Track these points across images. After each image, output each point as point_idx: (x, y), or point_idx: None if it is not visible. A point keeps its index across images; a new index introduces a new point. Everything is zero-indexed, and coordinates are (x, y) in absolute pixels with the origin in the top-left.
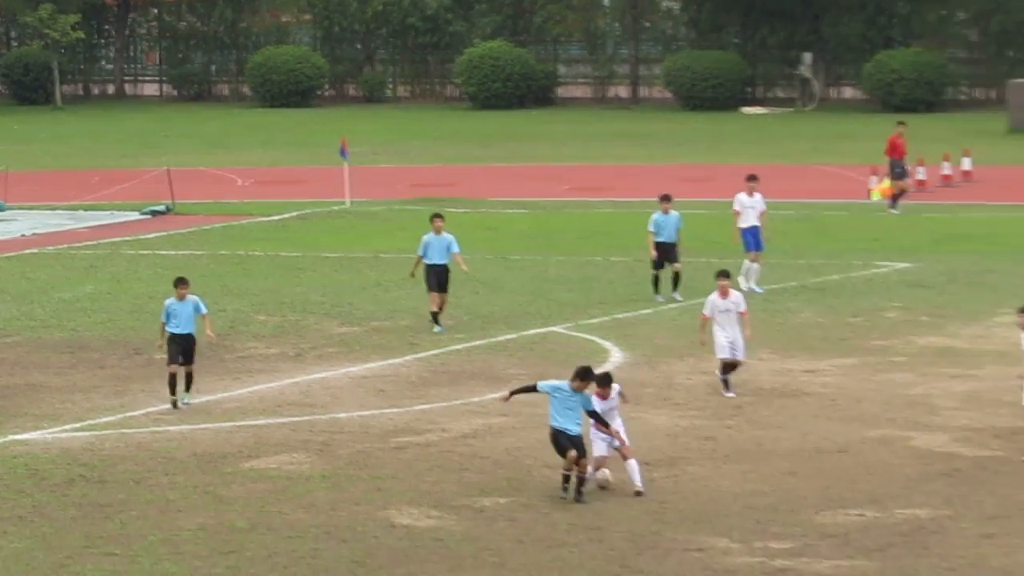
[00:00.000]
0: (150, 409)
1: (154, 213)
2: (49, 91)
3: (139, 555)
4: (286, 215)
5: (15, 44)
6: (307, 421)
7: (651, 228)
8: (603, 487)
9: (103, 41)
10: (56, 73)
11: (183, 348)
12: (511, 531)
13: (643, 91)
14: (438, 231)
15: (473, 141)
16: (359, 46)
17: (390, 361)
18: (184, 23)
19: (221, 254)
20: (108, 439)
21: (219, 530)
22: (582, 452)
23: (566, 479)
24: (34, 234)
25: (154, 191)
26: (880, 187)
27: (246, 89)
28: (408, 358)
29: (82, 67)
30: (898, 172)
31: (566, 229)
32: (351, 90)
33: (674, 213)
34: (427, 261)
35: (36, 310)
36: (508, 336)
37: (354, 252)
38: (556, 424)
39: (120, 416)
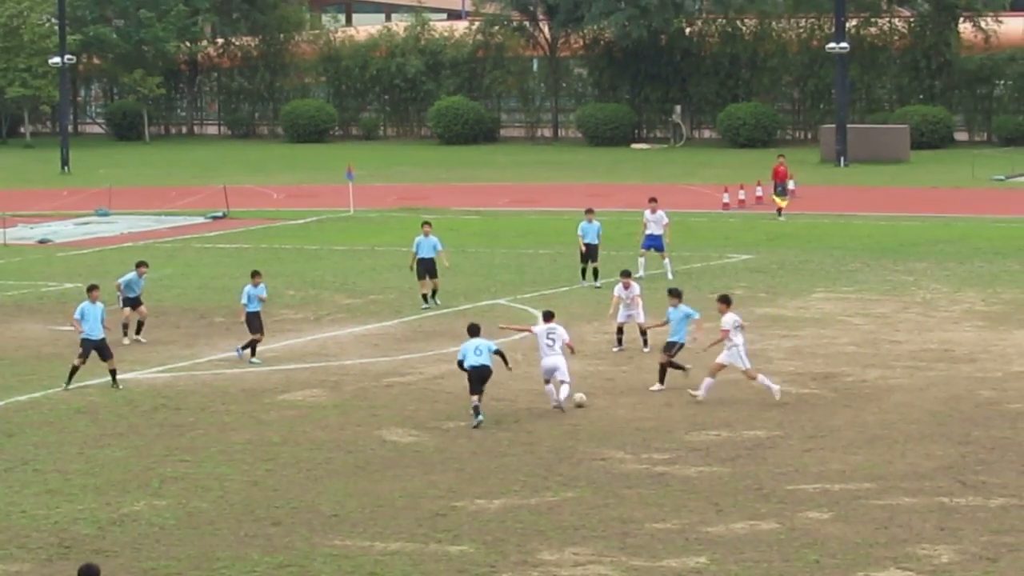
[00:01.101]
0: (212, 357)
1: (214, 218)
2: (140, 131)
3: (203, 461)
4: (308, 219)
5: (116, 97)
6: (323, 366)
7: (579, 233)
8: (580, 406)
9: (178, 95)
10: (145, 118)
11: (260, 323)
12: (468, 445)
13: (561, 132)
14: (426, 234)
15: (440, 167)
16: (360, 99)
17: (382, 323)
18: (236, 82)
19: (262, 247)
20: (182, 379)
21: (260, 443)
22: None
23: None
24: (130, 232)
25: (214, 202)
26: (780, 201)
27: (279, 130)
28: (395, 321)
29: (163, 114)
30: (779, 191)
31: (507, 230)
32: (354, 130)
33: (596, 222)
34: (419, 256)
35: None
36: (466, 306)
37: (356, 246)
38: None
39: (190, 362)
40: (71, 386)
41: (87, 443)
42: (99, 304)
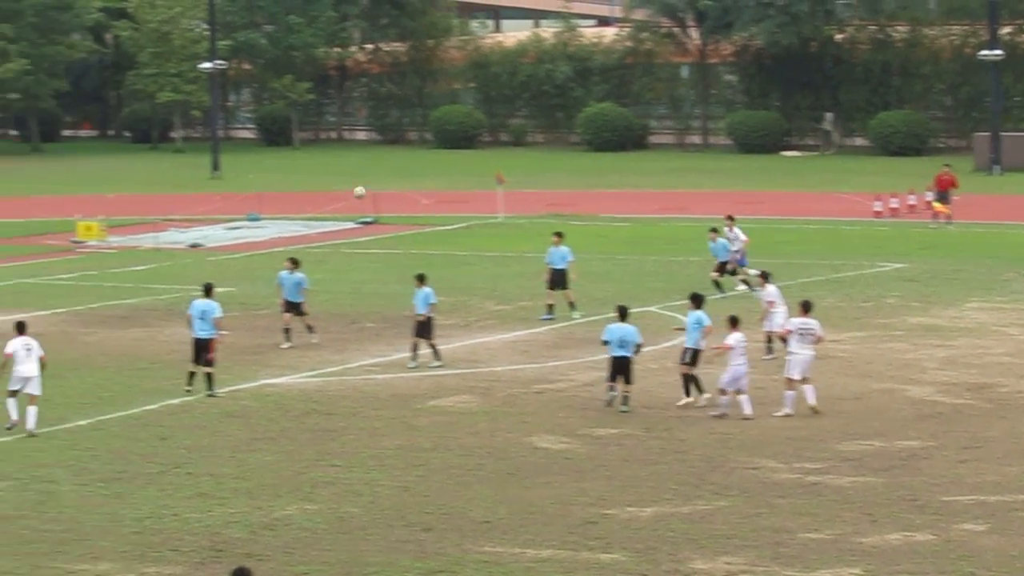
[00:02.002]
0: (362, 362)
1: (364, 223)
2: (289, 136)
3: (354, 466)
4: (457, 225)
5: (266, 102)
6: (473, 372)
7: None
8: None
9: (327, 101)
10: (294, 123)
11: (425, 327)
12: (619, 452)
13: (711, 138)
14: (556, 244)
15: (589, 174)
16: (508, 105)
17: (531, 330)
18: (385, 88)
19: (412, 252)
20: (332, 383)
21: (411, 449)
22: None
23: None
24: (280, 237)
25: (363, 207)
26: (942, 207)
27: (428, 135)
28: (544, 328)
29: (313, 119)
30: (941, 198)
31: (656, 237)
32: (503, 136)
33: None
34: (550, 266)
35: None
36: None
37: (506, 252)
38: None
39: (341, 367)
40: (217, 392)
41: (239, 447)
42: (211, 303)
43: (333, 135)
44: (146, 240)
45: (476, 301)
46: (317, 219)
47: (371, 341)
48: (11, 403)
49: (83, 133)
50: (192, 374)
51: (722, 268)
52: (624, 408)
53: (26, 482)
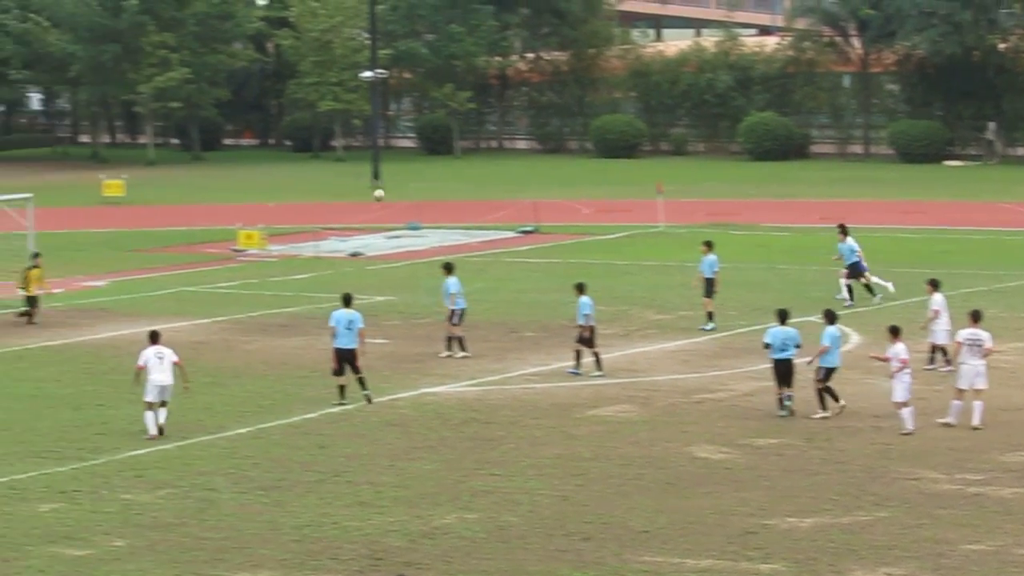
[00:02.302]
0: (522, 372)
1: (524, 232)
2: (450, 145)
3: (513, 475)
4: (617, 235)
5: (427, 111)
6: (633, 382)
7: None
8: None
9: (488, 110)
10: (455, 132)
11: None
12: (779, 463)
13: (872, 148)
14: (705, 253)
15: (749, 183)
16: (669, 114)
17: (692, 340)
18: (545, 97)
19: (571, 262)
20: (492, 392)
21: (570, 458)
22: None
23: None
24: (440, 246)
25: (523, 216)
26: None
27: (589, 144)
28: (705, 338)
29: (473, 128)
30: None
31: (817, 246)
32: (663, 145)
33: (846, 243)
34: (702, 275)
35: (442, 300)
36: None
37: (666, 261)
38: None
39: (501, 376)
40: (370, 391)
41: (398, 455)
42: (354, 313)
43: (494, 144)
44: (306, 249)
45: (636, 310)
46: (478, 228)
47: (531, 350)
48: (149, 416)
49: (244, 142)
50: (342, 388)
51: (854, 274)
52: (783, 412)
53: (186, 490)
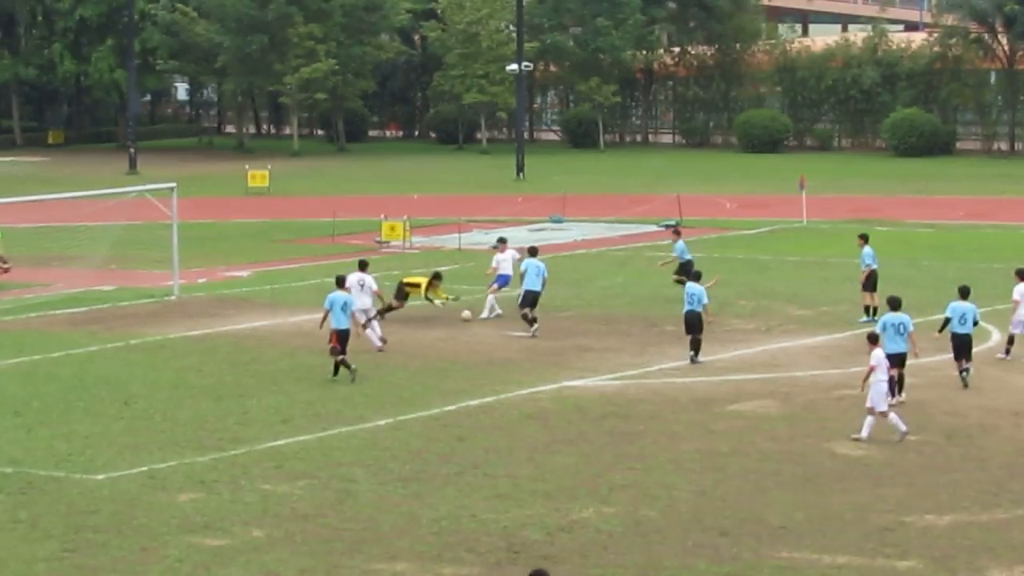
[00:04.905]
0: (662, 366)
1: (667, 226)
2: (595, 139)
3: (652, 469)
4: (760, 229)
5: (572, 104)
6: (773, 377)
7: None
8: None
9: (633, 104)
10: (600, 126)
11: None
12: (918, 460)
13: (1019, 145)
14: (860, 246)
15: (893, 179)
16: (814, 110)
17: (833, 335)
18: (691, 91)
19: (713, 256)
20: (631, 386)
21: (709, 453)
22: None
23: None
24: (583, 239)
25: (666, 210)
26: None
27: (733, 139)
28: (846, 333)
29: (618, 122)
30: None
31: (961, 243)
32: (808, 141)
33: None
34: (870, 267)
35: (583, 293)
36: (917, 320)
37: (808, 257)
38: None
39: (640, 370)
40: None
41: (537, 448)
42: (346, 295)
43: (638, 138)
44: (450, 241)
45: (778, 306)
46: (620, 222)
47: (671, 344)
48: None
49: (389, 134)
50: (341, 363)
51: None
52: (966, 375)
53: (325, 481)
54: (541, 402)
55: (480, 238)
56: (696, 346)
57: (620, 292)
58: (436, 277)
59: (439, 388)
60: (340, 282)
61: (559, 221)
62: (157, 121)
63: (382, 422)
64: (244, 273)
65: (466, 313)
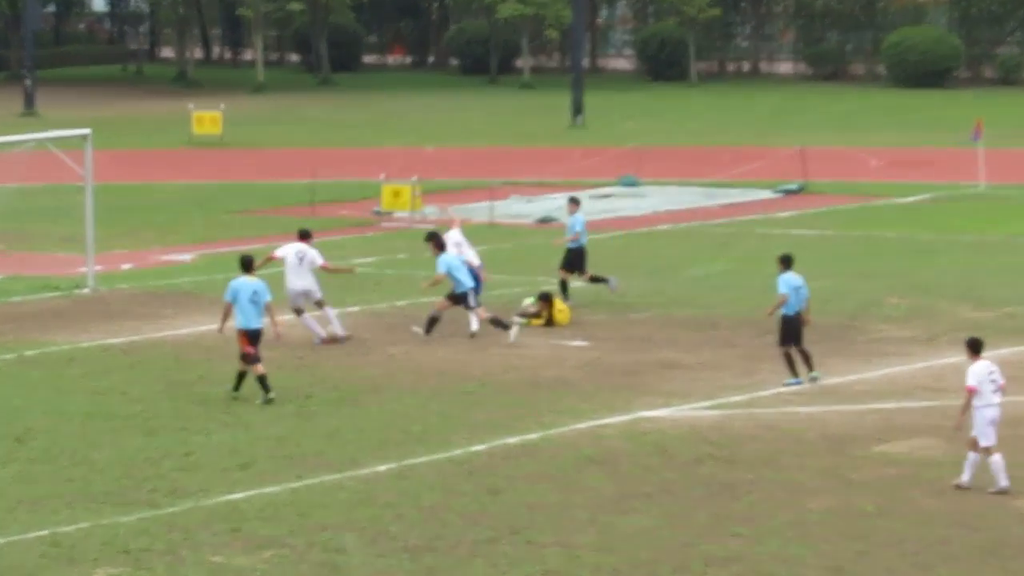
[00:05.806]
0: (780, 389)
1: (787, 192)
2: (684, 68)
3: (765, 536)
4: (919, 197)
5: (652, 20)
6: (939, 406)
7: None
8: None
9: (738, 19)
10: (691, 50)
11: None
12: None
13: None
14: None
15: None
16: (995, 28)
17: (1022, 347)
18: (819, 2)
19: (852, 235)
20: (737, 418)
21: (847, 514)
22: None
23: None
24: (666, 211)
25: (786, 170)
26: None
27: (881, 69)
28: None
29: (717, 44)
30: None
31: None
32: (987, 72)
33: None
34: None
35: (667, 286)
36: None
37: (988, 236)
38: None
39: (749, 396)
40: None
41: (601, 506)
42: (255, 281)
43: (745, 67)
44: (478, 212)
45: (944, 305)
46: (720, 186)
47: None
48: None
49: (392, 60)
50: (263, 377)
51: None
52: None
53: (302, 551)
54: (608, 440)
55: (520, 207)
56: (808, 359)
57: (720, 285)
58: (545, 298)
59: (463, 420)
60: (247, 265)
61: (632, 184)
62: (64, 42)
63: (382, 468)
64: (186, 257)
65: (514, 330)
